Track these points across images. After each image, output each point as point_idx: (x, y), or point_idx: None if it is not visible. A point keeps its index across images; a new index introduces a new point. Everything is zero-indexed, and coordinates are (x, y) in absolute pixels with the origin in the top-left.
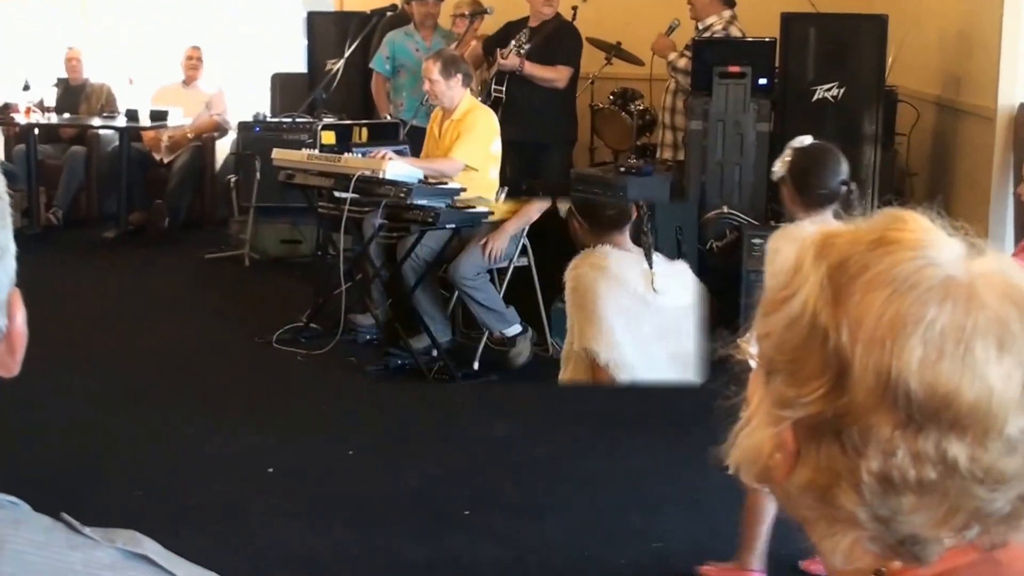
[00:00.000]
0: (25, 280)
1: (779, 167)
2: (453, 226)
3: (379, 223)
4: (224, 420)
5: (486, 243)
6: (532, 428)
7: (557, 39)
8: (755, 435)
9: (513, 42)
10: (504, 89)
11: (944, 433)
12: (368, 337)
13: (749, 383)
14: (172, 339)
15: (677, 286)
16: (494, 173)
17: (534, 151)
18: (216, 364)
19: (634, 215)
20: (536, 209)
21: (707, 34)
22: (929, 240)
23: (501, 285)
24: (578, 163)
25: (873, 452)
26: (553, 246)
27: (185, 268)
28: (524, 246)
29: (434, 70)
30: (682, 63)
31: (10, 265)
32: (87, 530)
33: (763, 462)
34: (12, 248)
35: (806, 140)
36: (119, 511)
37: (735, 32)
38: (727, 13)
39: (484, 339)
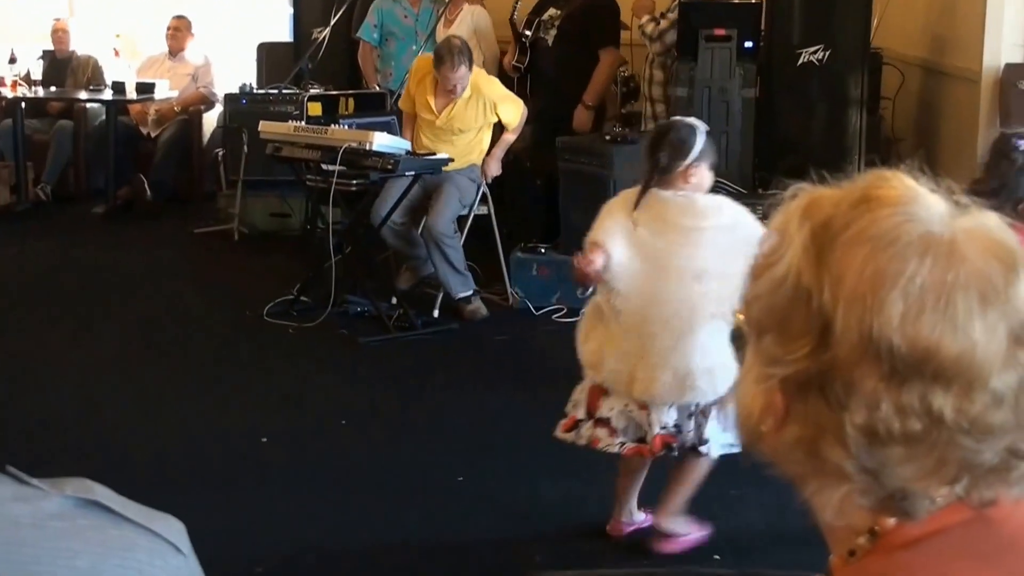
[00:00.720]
0: (15, 256)
1: None
2: (412, 173)
3: (336, 169)
4: (216, 393)
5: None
6: (520, 393)
7: (592, 16)
8: (746, 395)
9: (544, 19)
10: (527, 61)
11: (928, 386)
12: (359, 309)
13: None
14: (162, 313)
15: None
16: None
17: (557, 122)
18: (207, 338)
19: None
20: (513, 135)
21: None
22: (911, 197)
23: (462, 233)
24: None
25: (857, 405)
26: (512, 196)
27: (174, 243)
28: (484, 194)
29: (461, 70)
30: (650, 28)
31: None
32: (35, 481)
33: (754, 420)
34: None
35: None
36: (110, 483)
37: None
38: None
39: (443, 287)
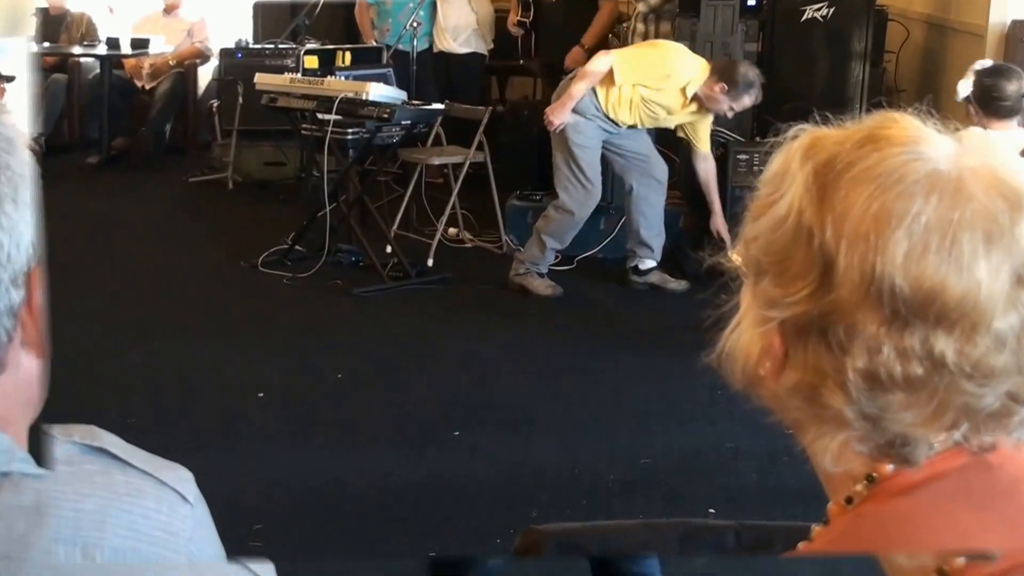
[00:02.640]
0: None
1: (963, 87)
2: (408, 122)
3: (331, 119)
4: (211, 344)
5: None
6: (514, 343)
7: None
8: (743, 337)
9: None
10: (531, 16)
11: (931, 329)
12: (353, 259)
13: (741, 290)
14: (157, 263)
15: None
16: (624, 113)
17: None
18: (202, 288)
19: None
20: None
21: None
22: (918, 136)
23: (457, 181)
24: None
25: (859, 349)
26: (508, 144)
27: (169, 193)
28: (481, 143)
29: None
30: None
31: (24, 241)
32: (51, 431)
33: (752, 365)
34: (29, 224)
35: (987, 63)
36: None
37: None
38: None
39: (438, 236)
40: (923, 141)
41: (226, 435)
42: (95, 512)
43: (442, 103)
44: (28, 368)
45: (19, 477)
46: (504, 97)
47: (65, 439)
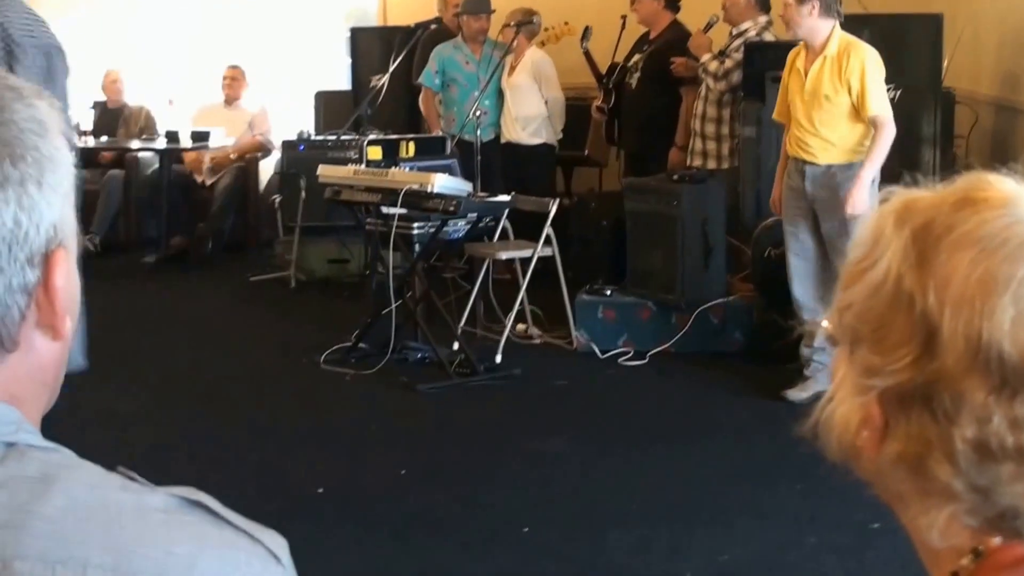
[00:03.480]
0: None
1: None
2: (474, 215)
3: (397, 212)
4: (272, 441)
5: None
6: (585, 439)
7: (673, 55)
8: (841, 408)
9: (629, 65)
10: (612, 102)
11: None
12: (420, 356)
13: (834, 358)
14: (218, 362)
15: None
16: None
17: (646, 163)
18: (263, 386)
19: None
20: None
21: (739, 40)
22: (1015, 198)
23: (524, 277)
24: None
25: (967, 419)
26: (576, 237)
27: (229, 291)
28: (548, 236)
29: None
30: (713, 66)
31: (45, 222)
32: (143, 480)
33: (850, 437)
34: (52, 207)
35: None
36: None
37: (769, 38)
38: (762, 18)
39: (506, 332)
40: (1020, 202)
41: (286, 531)
42: (186, 557)
43: (508, 195)
44: (43, 350)
45: (25, 448)
46: (570, 189)
47: (164, 491)
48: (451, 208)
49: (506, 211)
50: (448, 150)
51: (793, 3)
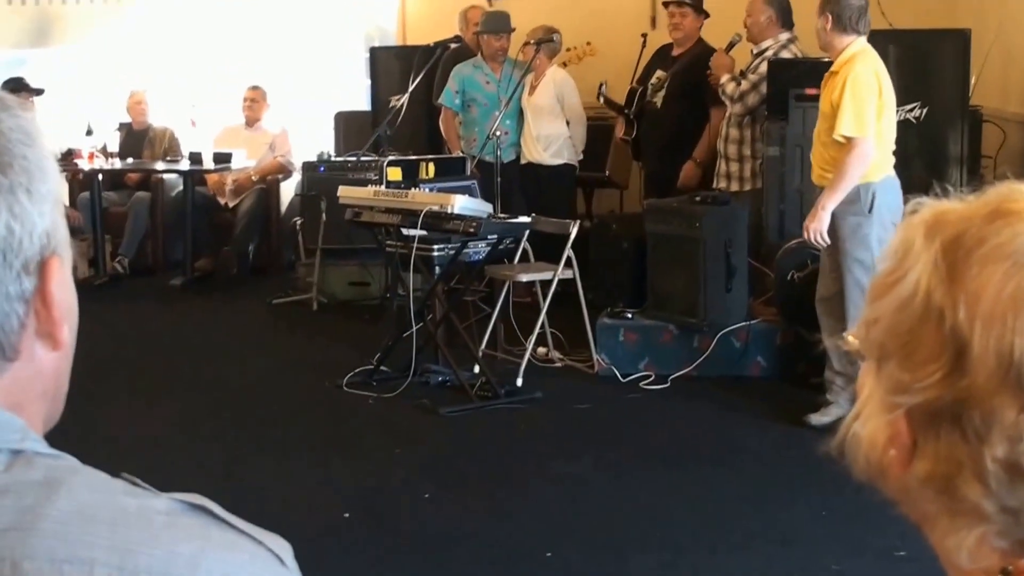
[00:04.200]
0: (93, 330)
1: None
2: (495, 236)
3: (417, 234)
4: (296, 465)
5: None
6: (607, 463)
7: (702, 72)
8: (868, 426)
9: (652, 82)
10: (635, 131)
11: None
12: (440, 379)
13: (861, 374)
14: (241, 384)
15: None
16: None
17: (668, 183)
18: (286, 409)
19: None
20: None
21: (759, 60)
22: None
23: (545, 299)
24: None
25: (997, 438)
26: (598, 260)
27: (253, 314)
28: (569, 258)
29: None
30: (730, 88)
31: (38, 230)
32: (147, 486)
33: (877, 454)
34: (44, 215)
35: None
36: None
37: (789, 55)
38: (784, 36)
39: (527, 355)
40: None
41: (310, 555)
42: (188, 556)
43: (529, 216)
44: (43, 359)
45: (31, 455)
46: (591, 210)
47: (167, 495)
48: (471, 229)
49: (526, 233)
50: (468, 171)
51: (817, 16)
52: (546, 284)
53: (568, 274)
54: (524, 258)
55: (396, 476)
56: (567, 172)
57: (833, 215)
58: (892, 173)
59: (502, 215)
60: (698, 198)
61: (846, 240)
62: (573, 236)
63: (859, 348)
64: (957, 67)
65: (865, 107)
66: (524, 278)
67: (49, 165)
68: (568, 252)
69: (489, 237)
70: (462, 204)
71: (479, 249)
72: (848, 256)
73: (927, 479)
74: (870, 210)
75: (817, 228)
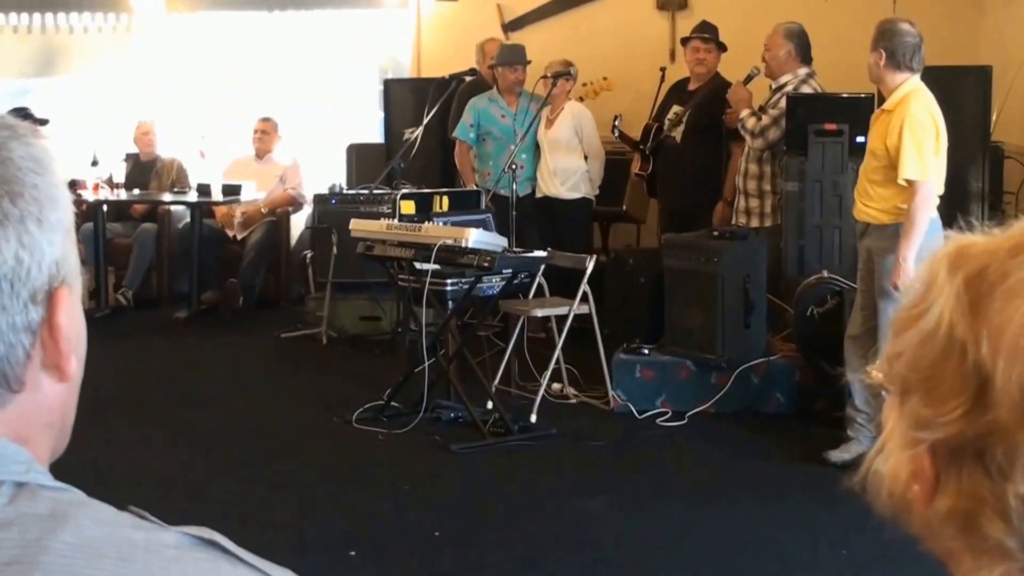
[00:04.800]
0: (92, 363)
1: None
2: (509, 271)
3: (431, 268)
4: (304, 501)
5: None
6: (623, 501)
7: (721, 107)
8: (890, 461)
9: (669, 117)
10: (651, 167)
11: None
12: (453, 415)
13: (884, 408)
14: (249, 420)
15: None
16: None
17: (689, 219)
18: (295, 445)
19: None
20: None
21: (778, 95)
22: None
23: (560, 335)
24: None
25: (1021, 474)
26: (613, 295)
27: (260, 348)
28: (585, 293)
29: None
30: (751, 123)
31: (47, 260)
32: (154, 519)
33: (900, 490)
34: (54, 244)
35: None
36: None
37: (807, 91)
38: (803, 71)
39: (541, 391)
40: None
41: None
42: None
43: (544, 251)
44: (49, 391)
45: (36, 487)
46: (607, 245)
47: (176, 529)
48: (486, 264)
49: (542, 267)
50: (483, 204)
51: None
52: (561, 319)
53: (584, 309)
54: (539, 293)
55: (406, 514)
56: (584, 206)
57: (873, 253)
58: (935, 215)
59: (517, 249)
60: (716, 233)
61: (884, 278)
62: (589, 271)
63: (882, 382)
64: (978, 103)
65: (925, 149)
66: (539, 313)
67: (61, 194)
68: (584, 287)
69: (504, 271)
70: (477, 238)
71: (493, 283)
72: (886, 294)
73: (949, 515)
74: None
75: (904, 283)
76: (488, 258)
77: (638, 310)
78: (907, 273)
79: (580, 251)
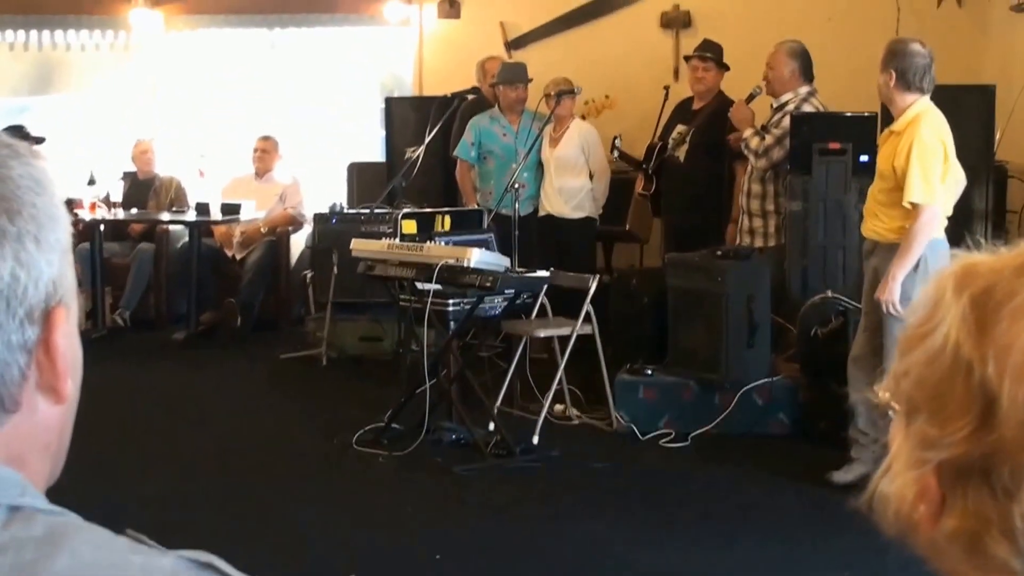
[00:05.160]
0: (88, 385)
1: None
2: (511, 291)
3: (432, 288)
4: (304, 524)
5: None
6: (626, 523)
7: (725, 126)
8: (897, 480)
9: (673, 136)
10: (653, 187)
11: None
12: (454, 437)
13: (891, 428)
14: (248, 442)
15: None
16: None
17: (692, 238)
18: (294, 467)
19: None
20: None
21: (780, 114)
22: None
23: (563, 355)
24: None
25: None
26: (616, 315)
27: (260, 369)
28: (588, 313)
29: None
30: (755, 143)
31: (44, 279)
32: (152, 543)
33: (905, 510)
34: (51, 264)
35: None
36: None
37: (808, 109)
38: (803, 89)
39: (543, 412)
40: None
41: None
42: None
43: (547, 271)
44: (45, 413)
45: (31, 511)
46: (610, 264)
47: (174, 553)
48: (488, 284)
49: (544, 287)
50: (485, 224)
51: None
52: (564, 340)
53: (587, 330)
54: (542, 313)
55: (407, 536)
56: (587, 225)
57: (879, 274)
58: (943, 236)
59: (520, 269)
60: (720, 252)
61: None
62: (592, 291)
63: (889, 401)
64: (982, 122)
65: (932, 173)
66: (542, 334)
67: (59, 214)
68: (587, 307)
69: (506, 292)
70: (479, 258)
71: (495, 304)
72: (892, 315)
73: (955, 536)
74: (916, 269)
75: (890, 299)
76: (490, 278)
77: (641, 330)
78: (894, 291)
79: (583, 270)
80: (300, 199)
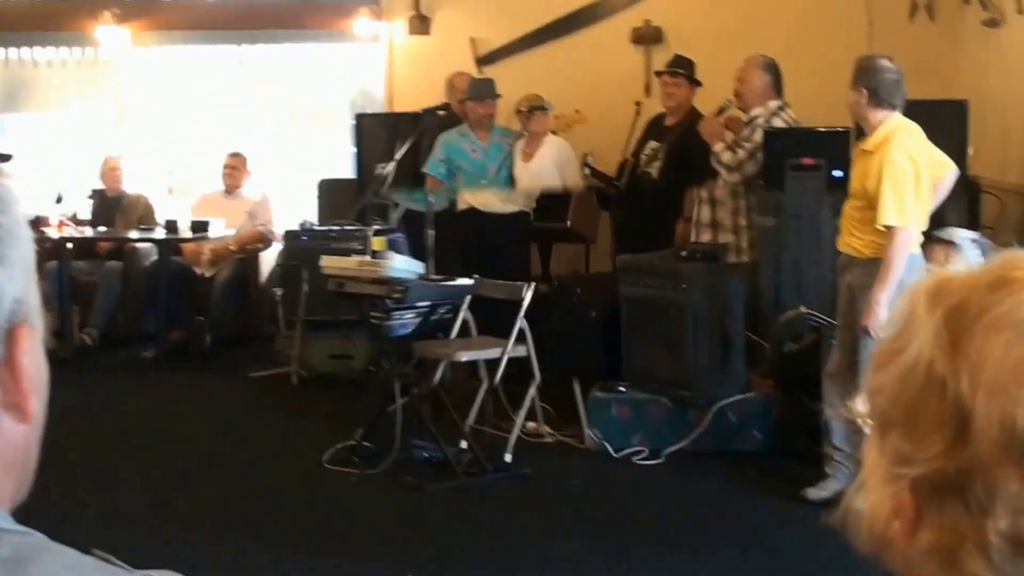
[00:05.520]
0: (56, 405)
1: None
2: (426, 305)
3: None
4: (274, 544)
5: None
6: (600, 542)
7: (694, 146)
8: (871, 497)
9: (646, 153)
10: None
11: None
12: (426, 455)
13: (864, 444)
14: (217, 461)
15: None
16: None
17: (645, 236)
18: (264, 486)
19: None
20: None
21: (749, 128)
22: None
23: (495, 379)
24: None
25: (1001, 510)
26: (558, 331)
27: (229, 388)
28: (522, 331)
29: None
30: (727, 157)
31: (8, 298)
32: (121, 563)
33: (880, 526)
34: (14, 281)
35: None
36: None
37: (779, 124)
38: (773, 103)
39: (516, 430)
40: None
41: None
42: None
43: (470, 278)
44: (10, 432)
45: None
46: (548, 270)
47: (140, 572)
48: (396, 295)
49: (468, 299)
50: (393, 221)
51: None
52: (493, 364)
53: (520, 351)
54: (464, 331)
55: (379, 556)
56: (520, 221)
57: (855, 289)
58: (918, 251)
59: (436, 276)
60: (684, 252)
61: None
62: (527, 302)
63: (864, 418)
64: (955, 137)
65: (904, 194)
66: (464, 357)
67: (22, 232)
68: (520, 323)
69: (419, 304)
70: (392, 264)
71: (405, 320)
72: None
73: (930, 551)
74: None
75: (875, 325)
76: (399, 288)
77: (587, 348)
78: (878, 317)
79: (515, 278)
80: (270, 216)
